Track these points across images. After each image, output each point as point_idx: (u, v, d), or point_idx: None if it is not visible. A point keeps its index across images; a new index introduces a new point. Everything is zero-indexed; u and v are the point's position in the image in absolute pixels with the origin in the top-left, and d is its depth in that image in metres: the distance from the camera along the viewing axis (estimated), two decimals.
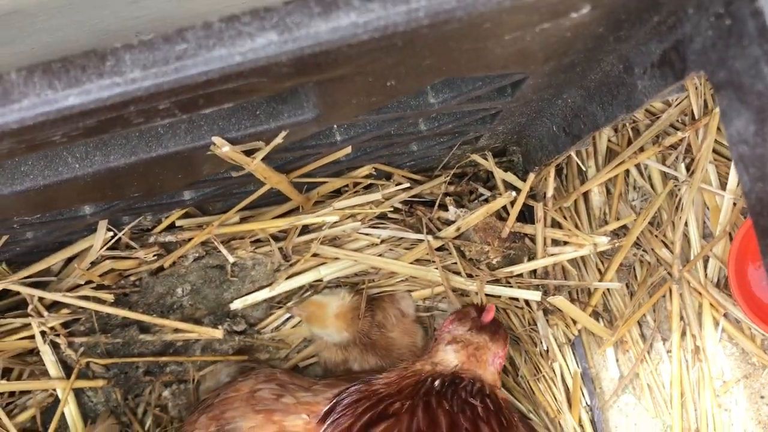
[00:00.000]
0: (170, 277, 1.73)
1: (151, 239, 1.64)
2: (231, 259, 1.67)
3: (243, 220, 1.72)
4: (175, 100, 0.80)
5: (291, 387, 1.67)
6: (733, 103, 0.87)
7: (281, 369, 1.85)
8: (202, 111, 0.87)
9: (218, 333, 1.71)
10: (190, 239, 1.64)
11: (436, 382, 1.45)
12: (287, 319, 1.97)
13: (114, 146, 1.07)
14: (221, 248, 1.64)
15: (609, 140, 2.06)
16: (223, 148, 1.07)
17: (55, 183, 1.09)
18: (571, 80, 1.30)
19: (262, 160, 1.22)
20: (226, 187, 1.47)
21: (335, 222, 1.82)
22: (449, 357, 1.49)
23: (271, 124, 1.07)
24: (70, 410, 1.72)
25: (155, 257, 1.64)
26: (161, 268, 1.72)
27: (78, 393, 1.77)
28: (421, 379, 1.46)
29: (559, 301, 1.73)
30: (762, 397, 2.00)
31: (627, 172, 2.07)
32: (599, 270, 1.97)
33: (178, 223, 1.66)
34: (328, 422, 1.49)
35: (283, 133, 1.09)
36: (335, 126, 1.32)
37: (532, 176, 1.71)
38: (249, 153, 1.18)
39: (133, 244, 1.62)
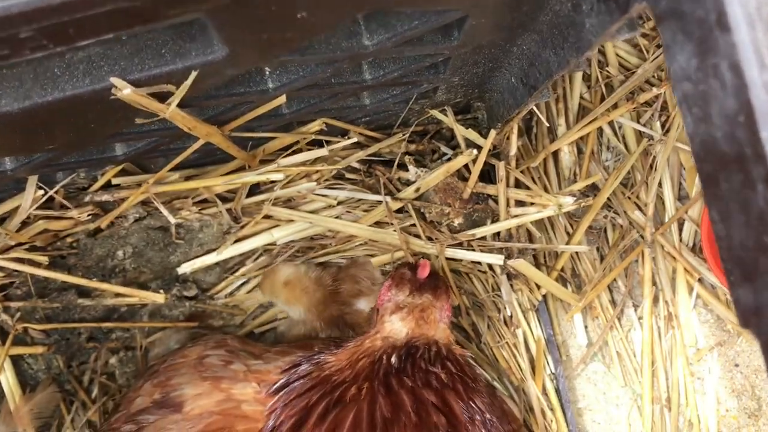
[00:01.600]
0: (110, 238, 1.64)
1: (87, 198, 1.55)
2: (173, 220, 1.57)
3: (188, 180, 1.63)
4: (37, 27, 0.70)
5: (242, 354, 1.59)
6: (676, 35, 0.77)
7: (233, 335, 1.77)
8: (78, 42, 0.77)
9: (160, 298, 1.62)
10: (127, 198, 1.55)
11: (393, 358, 1.35)
12: (242, 284, 1.88)
13: (5, 89, 0.97)
14: (161, 208, 1.54)
15: (581, 97, 1.95)
16: (124, 90, 0.97)
17: None
18: (522, 23, 1.19)
19: (184, 108, 1.12)
20: (159, 141, 1.37)
21: (287, 182, 1.72)
22: (397, 327, 1.40)
23: (179, 63, 0.97)
24: (6, 377, 1.64)
25: (90, 217, 1.54)
26: (99, 230, 1.63)
27: (16, 360, 1.69)
28: (376, 359, 1.37)
29: (521, 264, 1.65)
30: (736, 365, 1.92)
31: (600, 131, 1.97)
32: (568, 233, 1.88)
33: (115, 181, 1.56)
34: (280, 402, 1.41)
35: (193, 74, 0.99)
36: (267, 71, 1.22)
37: (493, 133, 1.61)
38: (165, 99, 1.08)
39: (66, 203, 1.52)
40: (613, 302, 1.91)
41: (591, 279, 1.86)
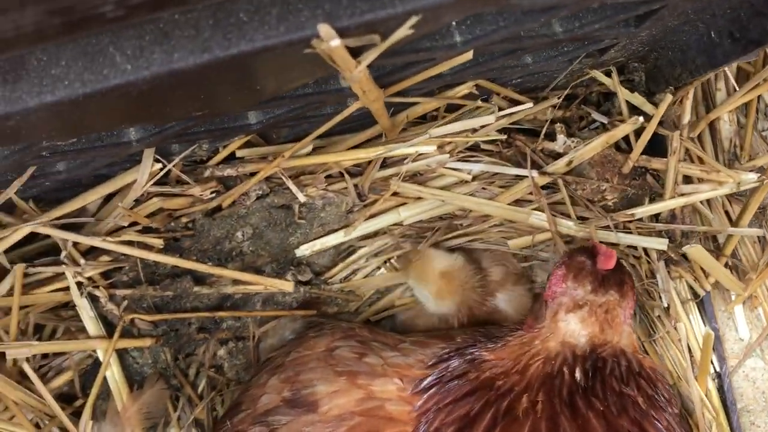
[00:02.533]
0: (229, 218, 1.44)
1: (207, 173, 1.35)
2: (301, 197, 1.38)
3: (314, 151, 1.42)
4: None
5: (374, 345, 1.41)
6: None
7: (359, 324, 1.58)
8: None
9: (288, 285, 1.44)
10: (253, 173, 1.35)
11: (577, 373, 1.14)
12: (358, 268, 1.69)
13: (179, 39, 0.77)
14: (290, 185, 1.35)
15: None
16: (331, 42, 0.76)
17: (97, 92, 0.79)
18: None
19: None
20: (304, 107, 1.17)
21: (417, 154, 1.51)
22: (575, 329, 1.19)
23: (398, 7, 0.76)
24: (112, 373, 1.47)
25: (212, 194, 1.35)
26: (218, 208, 1.43)
27: (121, 354, 1.51)
28: (555, 370, 1.16)
29: (697, 250, 1.43)
30: None
31: (758, 97, 1.73)
32: (726, 213, 1.66)
33: (238, 154, 1.37)
34: (431, 403, 1.22)
35: (413, 20, 0.77)
36: (453, 24, 1.00)
37: (669, 97, 1.39)
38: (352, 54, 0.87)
39: (185, 178, 1.33)
40: None
41: (753, 265, 1.64)
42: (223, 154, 1.34)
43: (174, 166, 1.30)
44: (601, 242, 1.53)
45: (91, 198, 1.33)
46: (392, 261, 1.68)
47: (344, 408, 1.29)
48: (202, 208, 1.38)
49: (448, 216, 1.61)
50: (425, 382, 1.28)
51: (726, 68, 1.63)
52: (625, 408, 1.10)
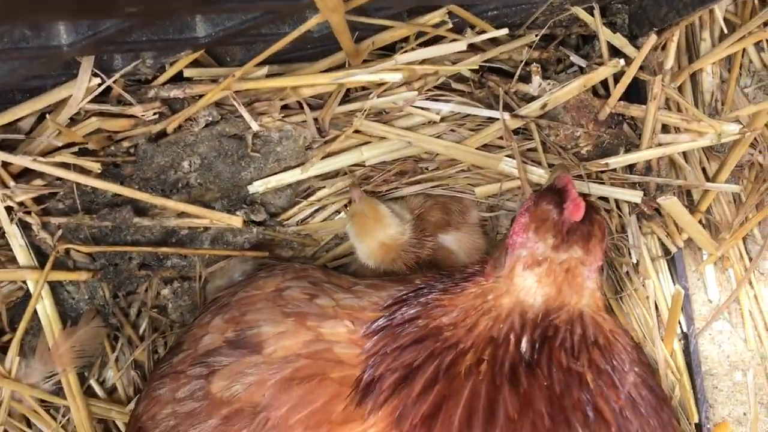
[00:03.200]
0: (175, 145, 1.33)
1: (151, 93, 1.24)
2: (255, 126, 1.28)
3: (271, 78, 1.31)
4: None
5: (327, 287, 1.32)
6: None
7: (313, 265, 1.49)
8: None
9: (237, 220, 1.34)
10: (201, 95, 1.24)
11: (523, 344, 1.05)
12: (316, 210, 1.59)
13: None
14: (242, 110, 1.24)
15: (726, 10, 1.63)
16: None
17: None
18: None
19: None
20: (254, 19, 1.06)
21: (383, 89, 1.41)
22: (531, 288, 1.07)
23: None
24: (44, 307, 1.36)
25: (156, 116, 1.24)
26: (164, 134, 1.32)
27: (55, 287, 1.40)
28: (501, 336, 1.06)
29: (672, 203, 1.36)
30: None
31: (744, 51, 1.66)
32: (703, 170, 1.60)
33: (186, 74, 1.25)
34: (380, 346, 1.14)
35: None
36: None
37: (653, 38, 1.30)
38: None
39: (127, 96, 1.21)
40: (747, 253, 1.64)
41: (727, 225, 1.58)
42: (170, 72, 1.23)
43: (115, 82, 1.19)
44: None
45: (22, 113, 1.21)
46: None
47: (290, 350, 1.21)
48: (144, 131, 1.27)
49: (413, 158, 1.52)
50: (375, 324, 1.20)
51: (716, 8, 1.55)
52: (569, 387, 1.01)
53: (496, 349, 1.05)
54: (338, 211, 1.60)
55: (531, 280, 1.06)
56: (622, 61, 1.36)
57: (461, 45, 1.27)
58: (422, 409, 1.07)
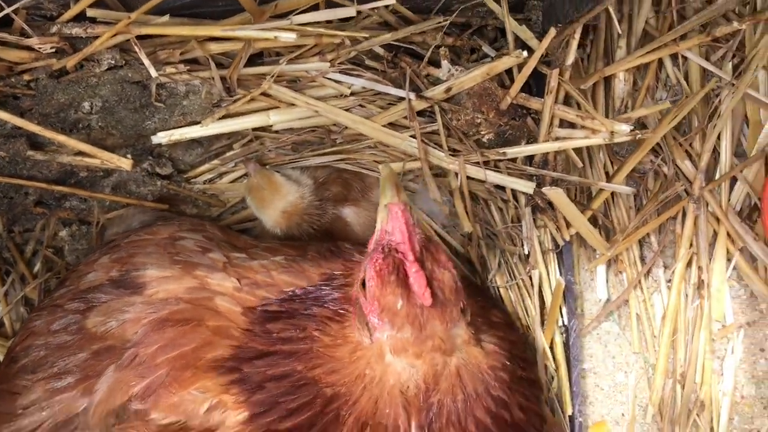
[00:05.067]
0: (76, 85, 1.35)
1: (54, 29, 1.26)
2: (153, 72, 1.30)
3: (169, 25, 1.34)
4: None
5: (223, 244, 1.35)
6: None
7: (212, 222, 1.52)
8: None
9: (126, 163, 1.36)
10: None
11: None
12: (225, 172, 1.62)
13: None
14: (142, 55, 1.27)
15: (647, 22, 1.68)
16: None
17: None
18: None
19: None
20: None
21: (295, 56, 1.44)
22: (405, 369, 1.03)
23: None
24: None
25: (54, 51, 1.26)
26: (65, 72, 1.34)
27: None
28: (389, 422, 1.04)
29: (557, 194, 1.40)
30: (762, 350, 1.71)
31: (660, 65, 1.70)
32: (607, 173, 1.64)
33: (89, 14, 1.28)
34: (260, 339, 1.17)
35: None
36: None
37: (552, 32, 1.34)
38: None
39: (27, 28, 1.24)
40: (642, 259, 1.68)
41: (624, 228, 1.62)
42: (74, 10, 1.26)
43: (16, 12, 1.21)
44: (470, 179, 1.49)
45: None
46: None
47: (172, 293, 1.24)
48: (44, 64, 1.29)
49: (321, 128, 1.55)
50: (261, 310, 1.22)
51: (635, 18, 1.60)
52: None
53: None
54: (247, 174, 1.62)
55: (402, 364, 1.02)
56: (525, 53, 1.40)
57: (350, 11, 1.31)
58: (283, 426, 1.08)
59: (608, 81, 1.65)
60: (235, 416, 1.14)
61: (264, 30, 1.25)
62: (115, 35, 1.22)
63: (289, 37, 1.27)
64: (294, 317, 1.17)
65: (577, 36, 1.38)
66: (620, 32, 1.60)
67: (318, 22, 1.35)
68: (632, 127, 1.40)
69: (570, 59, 1.40)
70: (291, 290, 1.23)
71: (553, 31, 1.34)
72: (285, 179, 1.50)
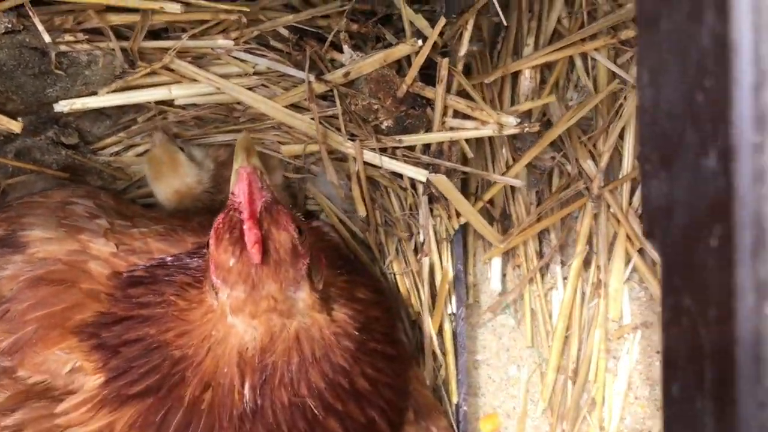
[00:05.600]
0: None
1: None
2: (47, 38, 1.32)
3: None
4: None
5: (111, 212, 1.38)
6: None
7: (109, 192, 1.54)
8: None
9: (15, 126, 1.38)
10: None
11: (246, 393, 1.06)
12: (132, 145, 1.64)
13: None
14: (35, 20, 1.30)
15: (559, 21, 1.71)
16: None
17: None
18: None
19: None
20: None
21: (199, 31, 1.47)
22: (244, 329, 1.05)
23: None
24: None
25: None
26: None
27: None
28: (225, 384, 1.07)
29: (441, 181, 1.42)
30: (658, 353, 1.73)
31: (571, 65, 1.73)
32: (508, 167, 1.66)
33: None
34: (123, 305, 1.19)
35: None
36: None
37: (442, 21, 1.37)
38: None
39: None
40: (540, 254, 1.70)
41: (522, 222, 1.64)
42: None
43: None
44: (366, 164, 1.52)
45: None
46: None
47: (52, 254, 1.27)
48: None
49: (225, 106, 1.57)
50: (129, 275, 1.24)
51: (545, 15, 1.64)
52: (295, 422, 1.06)
53: (222, 397, 1.06)
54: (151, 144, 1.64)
55: (241, 324, 1.03)
56: (419, 41, 1.43)
57: None
58: (133, 390, 1.11)
59: (515, 77, 1.67)
60: (93, 381, 1.16)
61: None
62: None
63: (173, 8, 1.30)
64: (156, 283, 1.19)
65: (470, 28, 1.41)
66: (527, 32, 1.64)
67: None
68: (519, 120, 1.43)
69: (462, 50, 1.43)
70: (162, 257, 1.26)
71: (443, 20, 1.37)
72: (187, 160, 1.52)
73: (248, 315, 1.01)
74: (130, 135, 1.60)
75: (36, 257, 1.28)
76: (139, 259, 1.28)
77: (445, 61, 1.40)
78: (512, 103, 1.66)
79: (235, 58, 1.52)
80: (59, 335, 1.22)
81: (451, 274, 1.52)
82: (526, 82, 1.66)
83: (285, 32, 1.53)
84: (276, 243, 1.01)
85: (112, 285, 1.24)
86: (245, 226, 1.00)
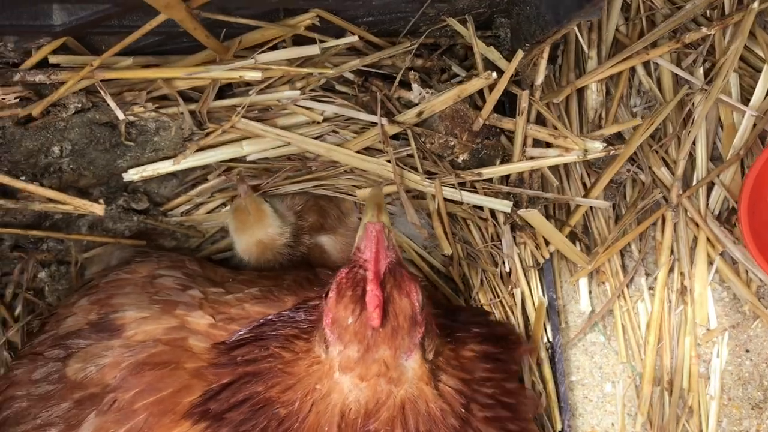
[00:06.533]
0: (44, 130, 1.34)
1: (17, 77, 1.25)
2: (120, 114, 1.29)
3: (143, 68, 1.33)
4: None
5: (200, 279, 1.34)
6: None
7: (191, 257, 1.51)
8: None
9: (99, 209, 1.34)
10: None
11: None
12: (201, 202, 1.61)
13: None
14: (107, 98, 1.26)
15: (617, 29, 1.67)
16: None
17: None
18: None
19: None
20: (107, 10, 1.08)
21: (265, 86, 1.44)
22: (350, 389, 1.03)
23: None
24: None
25: (18, 100, 1.25)
26: (32, 118, 1.33)
27: None
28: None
29: (533, 215, 1.40)
30: (747, 351, 1.72)
31: (633, 71, 1.70)
32: (584, 185, 1.64)
33: (52, 60, 1.27)
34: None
35: None
36: None
37: (520, 54, 1.33)
38: None
39: None
40: (623, 268, 1.68)
41: (604, 240, 1.62)
42: (35, 58, 1.24)
43: None
44: (447, 200, 1.49)
45: None
46: None
47: (150, 334, 1.23)
48: (11, 114, 1.28)
49: (296, 156, 1.54)
50: (234, 339, 1.21)
51: (604, 27, 1.61)
52: None
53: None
54: (225, 204, 1.62)
55: (348, 383, 1.02)
56: (494, 74, 1.39)
57: (315, 49, 1.30)
58: None
59: (581, 92, 1.64)
60: None
61: (230, 70, 1.24)
62: (80, 80, 1.20)
63: (254, 76, 1.26)
64: (261, 339, 1.16)
65: (546, 56, 1.38)
66: (588, 45, 1.60)
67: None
68: (605, 144, 1.40)
69: (539, 79, 1.40)
70: (263, 318, 1.23)
71: (520, 53, 1.33)
72: (272, 211, 1.50)
73: (357, 376, 1.00)
74: (201, 193, 1.57)
75: (134, 340, 1.24)
76: (239, 326, 1.25)
77: (525, 93, 1.37)
78: (580, 119, 1.64)
79: (301, 107, 1.49)
80: (171, 422, 1.19)
81: (545, 304, 1.50)
82: (593, 96, 1.63)
83: (350, 75, 1.49)
84: (397, 308, 0.99)
85: (214, 356, 1.21)
86: (368, 287, 0.98)
